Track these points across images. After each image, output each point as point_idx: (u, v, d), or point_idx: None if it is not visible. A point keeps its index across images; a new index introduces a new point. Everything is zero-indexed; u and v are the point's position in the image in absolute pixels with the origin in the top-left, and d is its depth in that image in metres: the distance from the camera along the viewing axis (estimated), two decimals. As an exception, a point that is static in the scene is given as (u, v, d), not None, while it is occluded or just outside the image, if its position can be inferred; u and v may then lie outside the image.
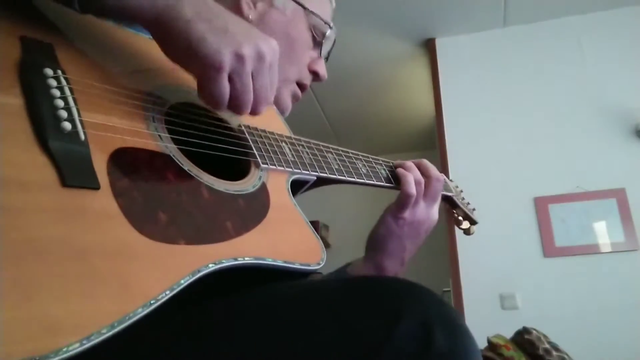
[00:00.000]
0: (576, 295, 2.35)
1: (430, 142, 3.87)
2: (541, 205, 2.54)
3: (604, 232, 2.44)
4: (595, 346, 2.15)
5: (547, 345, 1.46)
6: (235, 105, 0.54)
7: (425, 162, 0.83)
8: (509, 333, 1.58)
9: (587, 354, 1.90)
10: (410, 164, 0.82)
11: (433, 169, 0.82)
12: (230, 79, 0.52)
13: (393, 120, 3.98)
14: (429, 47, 3.05)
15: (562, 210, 2.51)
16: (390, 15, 2.82)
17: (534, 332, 1.50)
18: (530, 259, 2.48)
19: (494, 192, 2.60)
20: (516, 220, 2.55)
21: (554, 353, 1.43)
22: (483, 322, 2.21)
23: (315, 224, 4.12)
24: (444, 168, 2.72)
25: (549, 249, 2.47)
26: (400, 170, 0.80)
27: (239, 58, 0.51)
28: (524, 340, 1.48)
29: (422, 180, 0.79)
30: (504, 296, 2.44)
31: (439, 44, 3.00)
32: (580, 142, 2.59)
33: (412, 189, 0.77)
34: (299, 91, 0.81)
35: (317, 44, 0.82)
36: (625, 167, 2.50)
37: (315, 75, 0.82)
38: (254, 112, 0.56)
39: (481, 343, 1.55)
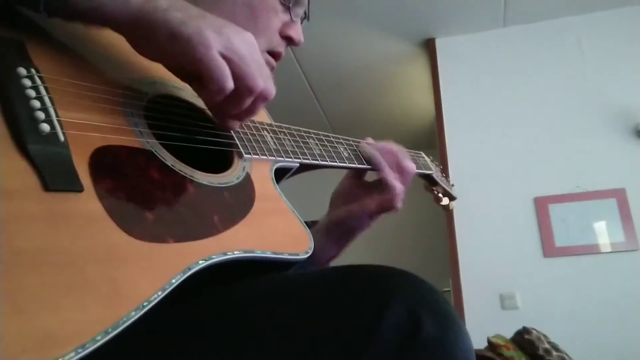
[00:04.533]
0: (576, 295, 2.35)
1: (430, 142, 3.87)
2: (541, 205, 2.54)
3: (604, 232, 2.44)
4: (595, 346, 2.15)
5: (547, 345, 1.46)
6: (246, 79, 0.51)
7: (402, 154, 0.81)
8: (509, 333, 1.58)
9: (587, 354, 1.90)
10: (391, 174, 0.78)
11: (409, 165, 0.80)
12: (223, 57, 0.49)
13: (393, 120, 3.98)
14: (429, 47, 3.05)
15: (562, 210, 2.51)
16: (390, 15, 2.82)
17: (534, 332, 1.50)
18: (530, 259, 2.48)
19: (494, 192, 2.60)
20: (516, 220, 2.55)
21: (554, 353, 1.43)
22: (483, 322, 2.22)
23: (315, 224, 4.11)
24: (444, 168, 2.72)
25: (549, 249, 2.47)
26: (390, 183, 0.77)
27: (223, 35, 0.50)
28: (524, 340, 1.49)
29: (403, 182, 0.78)
30: (504, 296, 2.44)
31: (439, 44, 3.00)
32: (580, 142, 2.59)
33: (399, 204, 0.77)
34: (272, 60, 0.76)
35: (287, 7, 0.75)
36: (625, 167, 2.50)
37: (289, 40, 0.76)
38: (265, 88, 0.53)
39: (481, 343, 1.55)
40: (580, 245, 2.44)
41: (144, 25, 0.48)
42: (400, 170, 0.79)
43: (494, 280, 2.47)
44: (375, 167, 0.79)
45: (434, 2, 2.73)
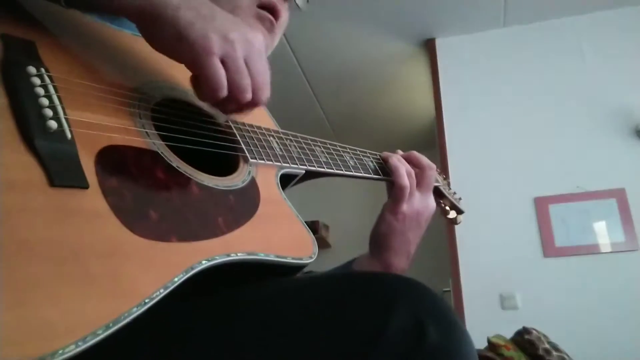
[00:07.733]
0: (576, 295, 2.35)
1: (430, 142, 3.87)
2: (541, 205, 2.54)
3: (604, 232, 2.44)
4: (595, 346, 2.15)
5: (547, 345, 1.46)
6: (236, 91, 0.52)
7: (415, 153, 0.84)
8: (509, 333, 1.58)
9: (587, 354, 1.90)
10: (398, 156, 0.82)
11: (424, 159, 0.83)
12: (223, 64, 0.50)
13: (393, 120, 3.97)
14: (429, 47, 3.05)
15: (562, 210, 2.51)
16: (390, 15, 2.81)
17: (534, 332, 1.50)
18: (530, 259, 2.48)
19: (494, 192, 2.59)
20: (516, 220, 2.55)
21: (554, 353, 1.43)
22: (483, 322, 2.22)
23: (315, 224, 4.11)
24: (444, 168, 2.72)
25: (549, 249, 2.47)
26: (392, 162, 0.80)
27: (228, 41, 0.50)
28: (524, 340, 1.48)
29: (413, 171, 0.80)
30: (504, 296, 2.44)
31: (439, 44, 3.00)
32: (580, 142, 2.59)
33: (405, 181, 0.78)
34: (267, 15, 0.74)
35: None
36: (625, 167, 2.49)
37: None
38: (255, 99, 0.54)
39: (481, 343, 1.55)
40: (580, 245, 2.44)
41: (153, 19, 0.50)
42: (410, 160, 0.82)
43: (494, 280, 2.46)
44: (385, 161, 0.82)
45: (434, 2, 2.72)
